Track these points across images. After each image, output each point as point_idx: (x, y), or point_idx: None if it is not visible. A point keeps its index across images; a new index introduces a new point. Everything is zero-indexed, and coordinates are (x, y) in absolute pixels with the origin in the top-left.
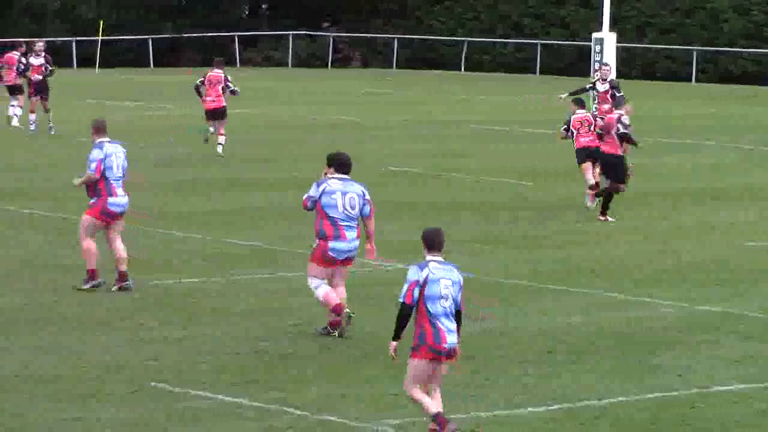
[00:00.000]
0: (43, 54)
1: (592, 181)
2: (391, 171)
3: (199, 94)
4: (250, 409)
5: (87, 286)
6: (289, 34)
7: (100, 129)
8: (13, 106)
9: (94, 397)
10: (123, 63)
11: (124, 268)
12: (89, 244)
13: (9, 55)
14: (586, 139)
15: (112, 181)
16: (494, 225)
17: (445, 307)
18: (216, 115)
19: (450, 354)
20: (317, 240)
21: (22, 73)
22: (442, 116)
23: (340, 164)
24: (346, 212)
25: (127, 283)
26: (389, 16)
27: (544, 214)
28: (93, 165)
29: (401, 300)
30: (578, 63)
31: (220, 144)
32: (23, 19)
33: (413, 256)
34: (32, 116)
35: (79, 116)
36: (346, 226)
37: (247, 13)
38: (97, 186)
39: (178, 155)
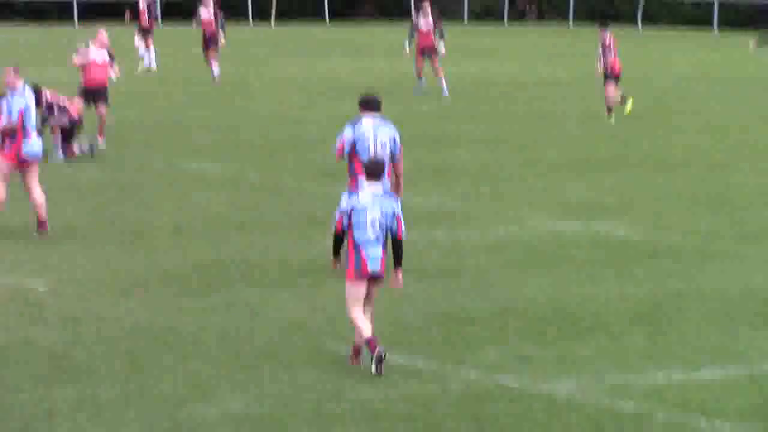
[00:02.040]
0: (211, 5)
1: None
2: (570, 130)
3: None
4: (426, 370)
5: None
6: None
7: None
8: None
9: (271, 357)
10: (299, 15)
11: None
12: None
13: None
14: None
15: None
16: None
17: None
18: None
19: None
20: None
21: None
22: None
23: (367, 103)
24: (377, 154)
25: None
26: None
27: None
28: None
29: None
30: None
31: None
32: None
33: (593, 217)
34: (215, 68)
35: (252, 71)
36: None
37: None
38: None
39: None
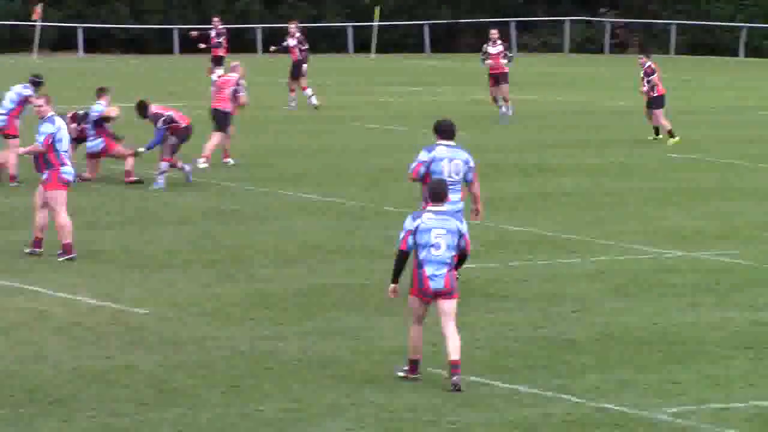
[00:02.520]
0: (297, 35)
1: None
2: (671, 157)
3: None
4: (528, 395)
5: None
6: (565, 19)
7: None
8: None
9: (371, 382)
10: (399, 48)
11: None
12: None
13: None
14: None
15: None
16: None
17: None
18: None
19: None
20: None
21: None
22: (730, 102)
23: (444, 131)
24: (450, 178)
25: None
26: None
27: None
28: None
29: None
30: None
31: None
32: (302, 3)
33: (693, 244)
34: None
35: (354, 100)
36: (451, 189)
37: None
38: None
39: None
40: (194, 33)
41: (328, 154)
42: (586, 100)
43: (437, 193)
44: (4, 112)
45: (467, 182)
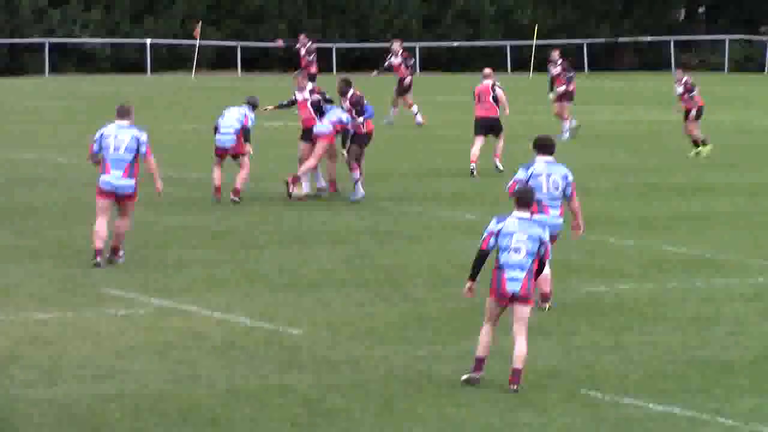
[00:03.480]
0: (401, 53)
1: None
2: None
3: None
4: (683, 418)
5: None
6: (725, 38)
7: (118, 113)
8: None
9: (525, 403)
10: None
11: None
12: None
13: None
14: None
15: (107, 160)
16: None
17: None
18: None
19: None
20: None
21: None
22: None
23: (543, 146)
24: (550, 193)
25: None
26: None
27: None
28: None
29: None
30: None
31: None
32: (460, 21)
33: None
34: (393, 111)
35: (510, 120)
36: (550, 204)
37: (683, 15)
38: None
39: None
40: (280, 42)
41: (480, 173)
42: (743, 119)
43: (523, 199)
44: (231, 132)
45: (566, 198)
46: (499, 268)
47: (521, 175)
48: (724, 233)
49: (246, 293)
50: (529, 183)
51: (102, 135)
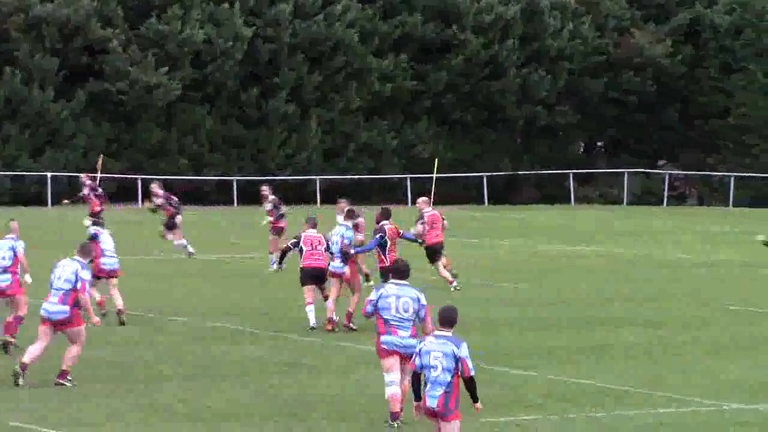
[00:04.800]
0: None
1: None
2: (730, 309)
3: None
4: None
5: None
6: (624, 171)
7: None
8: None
9: None
10: (457, 200)
11: None
12: None
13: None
14: None
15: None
16: None
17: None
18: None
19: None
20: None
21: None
22: None
23: (396, 271)
24: (398, 314)
25: None
26: (726, 153)
27: None
28: None
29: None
30: None
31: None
32: (361, 155)
33: (759, 396)
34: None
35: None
36: (398, 325)
37: (582, 149)
38: None
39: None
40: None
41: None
42: (644, 252)
43: (443, 317)
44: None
45: (420, 319)
46: (425, 384)
47: (372, 296)
48: (628, 365)
49: (150, 425)
50: (378, 305)
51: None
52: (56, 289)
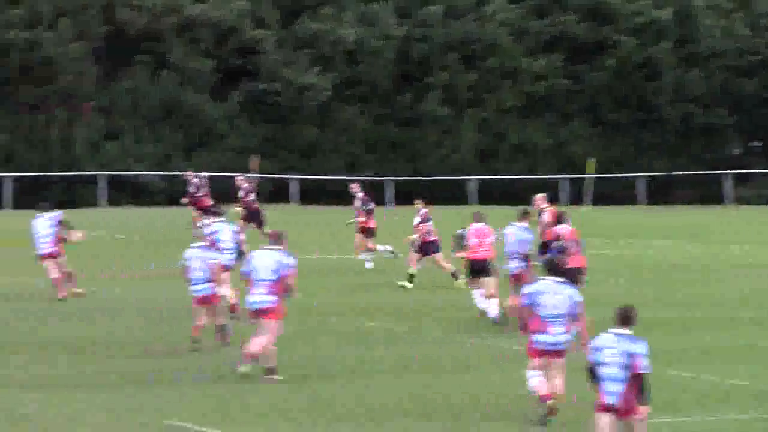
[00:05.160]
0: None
1: None
2: None
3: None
4: None
5: None
6: None
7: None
8: None
9: None
10: (612, 201)
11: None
12: None
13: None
14: None
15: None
16: None
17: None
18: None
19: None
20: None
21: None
22: None
23: (552, 268)
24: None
25: None
26: None
27: None
28: None
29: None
30: None
31: None
32: (518, 155)
33: None
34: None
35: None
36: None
37: (738, 149)
38: None
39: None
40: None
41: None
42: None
43: (621, 316)
44: None
45: (573, 317)
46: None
47: (529, 289)
48: None
49: (310, 423)
50: (533, 299)
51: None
52: (260, 281)
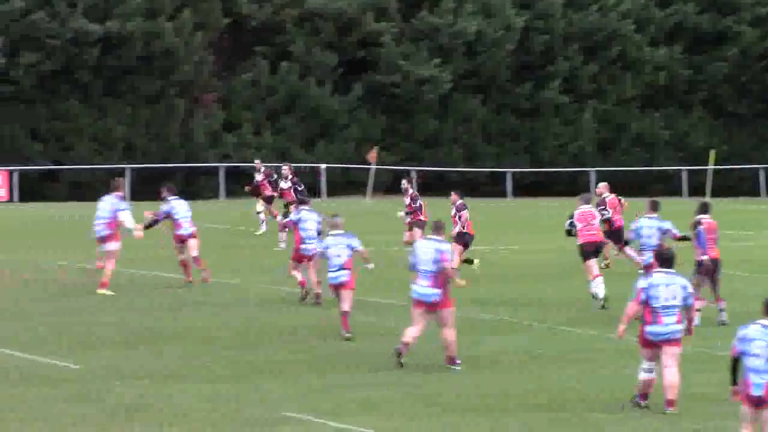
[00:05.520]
0: (291, 177)
1: None
2: None
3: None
4: None
5: None
6: None
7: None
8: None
9: None
10: (733, 192)
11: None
12: None
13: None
14: None
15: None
16: None
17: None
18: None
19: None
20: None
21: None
22: None
23: (663, 260)
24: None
25: None
26: None
27: None
28: None
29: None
30: None
31: None
32: (635, 149)
33: None
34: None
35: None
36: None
37: None
38: None
39: None
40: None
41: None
42: None
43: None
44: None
45: (686, 307)
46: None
47: (643, 284)
48: None
49: (419, 416)
50: (649, 293)
51: (415, 248)
52: (425, 272)
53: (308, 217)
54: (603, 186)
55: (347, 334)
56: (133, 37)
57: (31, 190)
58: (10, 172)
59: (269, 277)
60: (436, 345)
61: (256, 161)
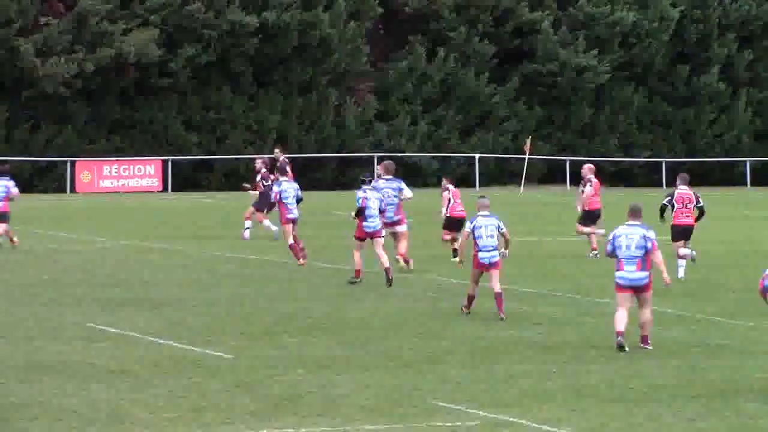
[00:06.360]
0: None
1: None
2: None
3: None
4: None
5: None
6: None
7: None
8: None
9: None
10: None
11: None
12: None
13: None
14: None
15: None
16: None
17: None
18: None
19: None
20: None
21: None
22: None
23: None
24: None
25: None
26: None
27: None
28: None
29: None
30: None
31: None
32: None
33: None
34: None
35: None
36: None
37: None
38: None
39: None
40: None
41: None
42: None
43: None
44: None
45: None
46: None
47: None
48: None
49: (572, 407)
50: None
51: (614, 236)
52: (630, 258)
53: (287, 187)
54: (587, 167)
55: (502, 315)
56: (290, 27)
57: (184, 180)
58: (164, 162)
59: (426, 265)
60: (583, 336)
61: (275, 151)
